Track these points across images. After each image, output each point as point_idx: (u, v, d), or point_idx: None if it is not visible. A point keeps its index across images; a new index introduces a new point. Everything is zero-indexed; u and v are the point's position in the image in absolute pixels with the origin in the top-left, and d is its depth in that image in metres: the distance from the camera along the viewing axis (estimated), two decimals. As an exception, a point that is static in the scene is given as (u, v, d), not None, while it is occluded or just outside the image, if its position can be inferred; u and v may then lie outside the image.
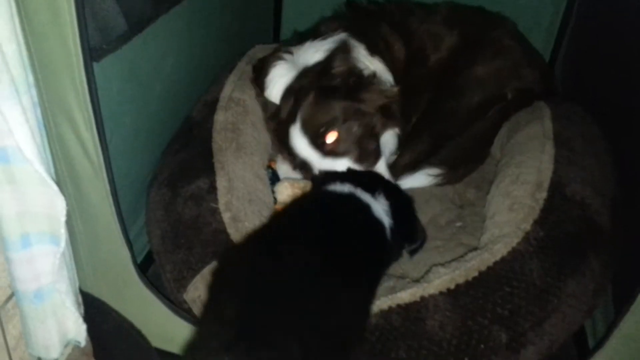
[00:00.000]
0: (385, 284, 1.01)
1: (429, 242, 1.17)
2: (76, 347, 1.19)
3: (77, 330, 1.10)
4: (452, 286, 0.93)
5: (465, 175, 1.43)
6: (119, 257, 1.04)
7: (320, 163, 1.23)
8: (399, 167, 1.38)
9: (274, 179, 1.32)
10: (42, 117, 0.92)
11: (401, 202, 1.08)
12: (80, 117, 0.89)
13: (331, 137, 1.22)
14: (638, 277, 0.87)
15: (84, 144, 0.91)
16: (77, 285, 1.10)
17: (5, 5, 0.81)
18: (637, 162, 1.14)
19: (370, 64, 1.35)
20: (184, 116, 1.32)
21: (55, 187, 0.93)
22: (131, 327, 1.09)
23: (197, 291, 1.01)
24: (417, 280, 1.00)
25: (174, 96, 1.28)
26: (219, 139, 1.19)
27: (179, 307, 1.05)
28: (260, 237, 0.97)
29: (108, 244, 1.03)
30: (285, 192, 1.23)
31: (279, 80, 1.31)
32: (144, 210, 1.19)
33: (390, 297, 0.94)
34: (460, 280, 0.94)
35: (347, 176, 1.10)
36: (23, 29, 0.84)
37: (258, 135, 1.30)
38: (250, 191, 1.14)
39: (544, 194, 1.05)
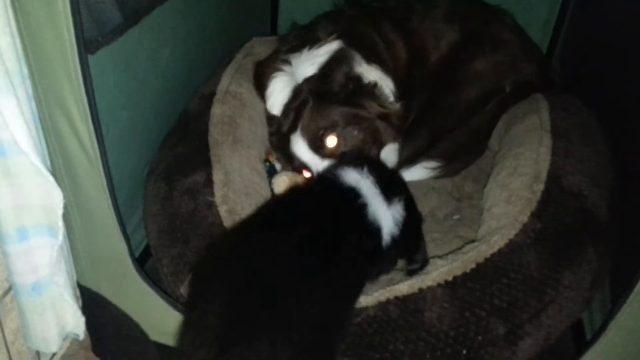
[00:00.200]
0: (383, 276, 1.01)
1: (427, 235, 1.16)
2: (74, 340, 1.19)
3: (75, 323, 1.09)
4: (450, 278, 0.94)
5: (463, 168, 1.43)
6: (117, 251, 1.04)
7: (319, 167, 1.23)
8: (398, 162, 1.37)
9: (272, 172, 1.32)
10: (37, 110, 0.92)
11: (414, 216, 1.03)
12: (75, 110, 0.88)
13: (331, 141, 1.22)
14: (635, 269, 0.87)
15: (79, 137, 0.91)
16: (75, 278, 1.10)
17: (-1, -3, 0.80)
18: (634, 153, 1.14)
19: (367, 73, 1.35)
20: (180, 109, 1.31)
21: (51, 179, 0.92)
22: (129, 320, 1.09)
23: (194, 284, 1.01)
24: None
25: (171, 89, 1.27)
26: (215, 133, 1.19)
27: (177, 301, 1.05)
28: (244, 230, 0.94)
29: (105, 238, 1.03)
30: (283, 185, 1.23)
31: (277, 96, 1.34)
32: (141, 204, 1.19)
33: (388, 289, 0.94)
34: (458, 272, 0.94)
35: (369, 167, 0.99)
36: (17, 21, 0.83)
37: (255, 129, 1.30)
38: (247, 184, 1.14)
39: (541, 186, 1.05)
